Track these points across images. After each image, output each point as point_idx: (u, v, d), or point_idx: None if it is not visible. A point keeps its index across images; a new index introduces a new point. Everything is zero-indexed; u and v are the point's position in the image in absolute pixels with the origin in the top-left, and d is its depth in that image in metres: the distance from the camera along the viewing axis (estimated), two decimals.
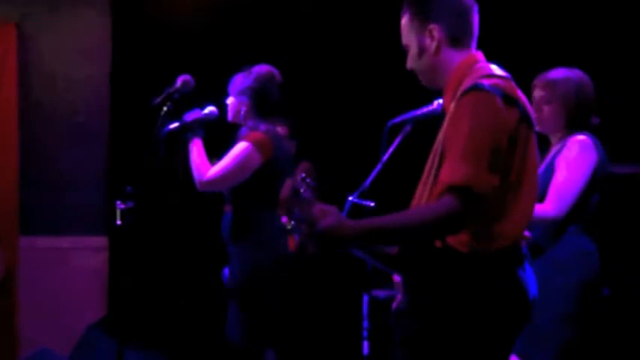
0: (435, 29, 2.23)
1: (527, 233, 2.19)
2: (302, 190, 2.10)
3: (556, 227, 3.11)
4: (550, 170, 3.16)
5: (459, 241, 2.07)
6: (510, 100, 2.08)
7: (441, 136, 2.17)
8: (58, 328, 4.98)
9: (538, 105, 3.24)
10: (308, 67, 5.03)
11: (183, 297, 5.12)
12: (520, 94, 2.15)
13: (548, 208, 3.07)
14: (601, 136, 3.24)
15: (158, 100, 3.43)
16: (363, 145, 3.69)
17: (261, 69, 3.59)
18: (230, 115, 3.63)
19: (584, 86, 3.25)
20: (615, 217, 4.20)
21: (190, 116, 3.54)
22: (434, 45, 2.24)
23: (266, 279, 3.46)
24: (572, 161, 3.12)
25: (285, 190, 2.13)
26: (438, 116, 3.13)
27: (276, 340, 3.57)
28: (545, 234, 3.14)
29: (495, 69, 2.20)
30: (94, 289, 5.21)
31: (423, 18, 2.24)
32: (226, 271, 3.63)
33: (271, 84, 3.57)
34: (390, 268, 2.26)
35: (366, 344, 3.81)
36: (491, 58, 2.27)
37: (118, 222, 3.44)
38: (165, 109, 3.42)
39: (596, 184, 3.16)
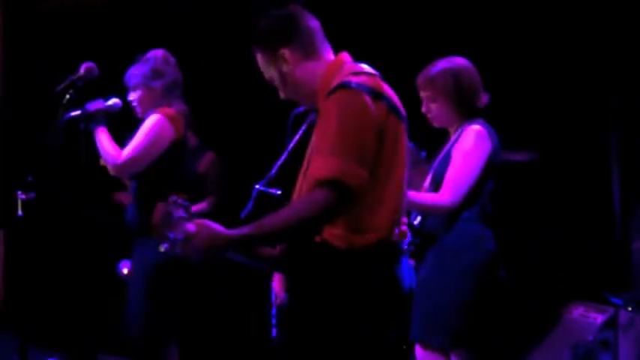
0: (286, 52, 2.31)
1: (404, 227, 2.25)
2: (174, 212, 2.12)
3: (450, 215, 3.15)
4: (447, 160, 3.19)
5: (334, 234, 2.16)
6: (377, 95, 2.17)
7: (315, 134, 2.25)
8: None
9: (427, 105, 3.27)
10: (210, 55, 5.01)
11: (84, 291, 5.01)
12: (387, 89, 2.25)
13: (444, 197, 3.11)
14: (494, 122, 3.26)
15: (61, 87, 3.33)
16: (268, 133, 3.73)
17: (155, 53, 3.54)
18: (140, 109, 3.54)
19: (463, 73, 3.23)
20: (509, 203, 4.35)
21: (93, 106, 3.45)
22: (291, 66, 2.31)
23: (175, 270, 3.40)
24: (467, 151, 3.15)
25: (158, 214, 2.15)
26: None
27: (180, 333, 3.53)
28: (440, 222, 3.18)
29: (363, 67, 2.28)
30: None
31: (271, 49, 2.32)
32: (121, 265, 3.55)
33: (167, 65, 3.53)
34: (272, 268, 2.33)
35: (275, 331, 3.83)
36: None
37: (20, 213, 3.33)
38: (67, 96, 3.33)
39: (491, 173, 3.19)
